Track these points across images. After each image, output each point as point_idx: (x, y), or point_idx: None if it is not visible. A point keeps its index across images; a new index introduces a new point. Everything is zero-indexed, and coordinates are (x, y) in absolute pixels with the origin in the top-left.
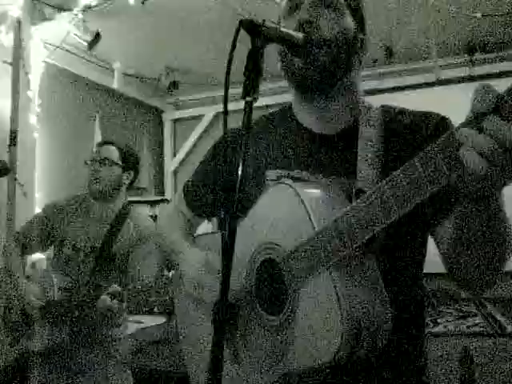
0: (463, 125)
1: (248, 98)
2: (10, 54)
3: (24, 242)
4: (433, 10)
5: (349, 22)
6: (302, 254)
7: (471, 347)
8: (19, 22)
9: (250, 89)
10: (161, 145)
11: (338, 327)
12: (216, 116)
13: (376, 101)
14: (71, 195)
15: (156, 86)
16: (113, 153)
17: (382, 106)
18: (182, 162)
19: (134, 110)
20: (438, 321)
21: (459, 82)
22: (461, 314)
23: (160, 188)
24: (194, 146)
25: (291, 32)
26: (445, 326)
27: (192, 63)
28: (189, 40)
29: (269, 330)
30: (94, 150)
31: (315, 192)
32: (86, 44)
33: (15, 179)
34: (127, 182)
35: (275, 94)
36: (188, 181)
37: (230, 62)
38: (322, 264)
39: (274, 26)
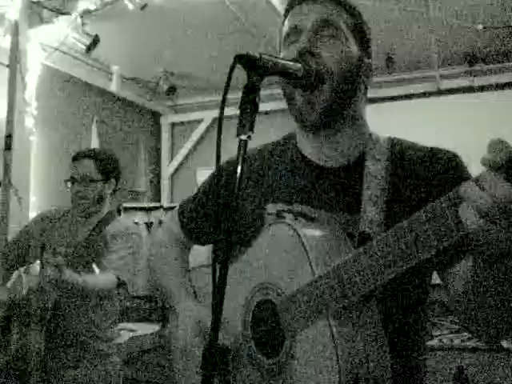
0: (472, 179)
1: (243, 137)
2: (7, 56)
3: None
4: (434, 21)
5: (352, 48)
6: (301, 299)
7: (466, 362)
8: (17, 25)
9: (245, 126)
10: (158, 148)
11: (334, 378)
12: (214, 120)
13: (376, 109)
14: (60, 208)
15: (154, 90)
16: (91, 168)
17: (391, 139)
18: (179, 166)
19: (132, 113)
20: (433, 334)
21: (460, 92)
22: (456, 327)
23: (157, 192)
24: (192, 150)
25: (289, 63)
26: (440, 340)
27: (190, 67)
28: (187, 44)
29: (264, 374)
30: (71, 165)
31: (316, 233)
32: (83, 47)
33: (10, 183)
34: (109, 191)
35: (276, 100)
36: (184, 204)
37: (224, 98)
38: (320, 311)
39: (272, 58)
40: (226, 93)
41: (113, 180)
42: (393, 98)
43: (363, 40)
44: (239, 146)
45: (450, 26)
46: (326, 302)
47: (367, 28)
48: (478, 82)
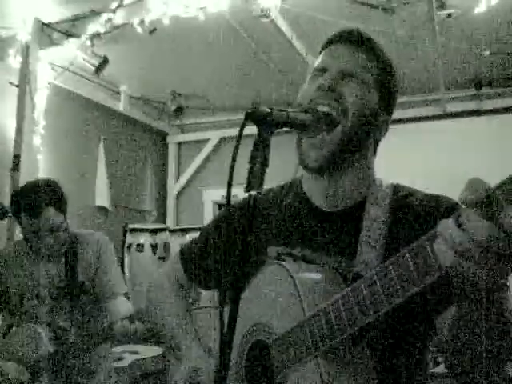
0: (454, 216)
1: (252, 192)
2: (17, 76)
3: None
4: (440, 46)
5: (373, 97)
6: (291, 339)
7: None
8: (27, 46)
9: (255, 182)
10: (164, 168)
11: None
12: (221, 140)
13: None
14: (10, 244)
15: (162, 110)
16: (53, 217)
17: (393, 185)
18: (185, 186)
19: (139, 132)
20: (439, 360)
21: (466, 115)
22: None
23: (163, 211)
24: (198, 169)
25: (299, 114)
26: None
27: (198, 88)
28: (194, 65)
29: None
30: (27, 222)
31: (310, 276)
32: (93, 68)
33: None
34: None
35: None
36: (187, 248)
37: (234, 158)
38: (309, 352)
39: (282, 112)
40: (237, 147)
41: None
42: (399, 121)
43: (387, 95)
44: (249, 201)
45: (457, 51)
46: (315, 342)
47: (394, 83)
48: (484, 105)
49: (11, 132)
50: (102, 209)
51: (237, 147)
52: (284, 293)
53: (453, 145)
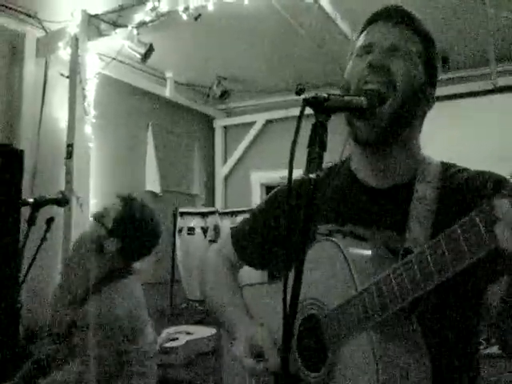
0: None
1: (312, 176)
2: (67, 68)
3: None
4: (491, 16)
5: (420, 72)
6: (343, 313)
7: None
8: (76, 38)
9: (314, 165)
10: (212, 151)
11: None
12: (267, 123)
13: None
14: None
15: (207, 95)
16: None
17: (443, 163)
18: (232, 169)
19: (186, 117)
20: (492, 341)
21: None
22: None
23: (211, 194)
24: (245, 152)
25: (354, 98)
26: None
27: (243, 71)
28: (239, 49)
29: None
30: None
31: (360, 251)
32: (139, 56)
33: (72, 190)
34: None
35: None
36: (238, 228)
37: (294, 143)
38: (361, 325)
39: (338, 96)
40: (297, 133)
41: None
42: (447, 97)
43: (431, 69)
44: (309, 184)
45: (508, 20)
46: (367, 315)
47: (437, 58)
48: None
49: (64, 122)
50: (152, 194)
51: (297, 131)
52: (335, 268)
53: (504, 121)
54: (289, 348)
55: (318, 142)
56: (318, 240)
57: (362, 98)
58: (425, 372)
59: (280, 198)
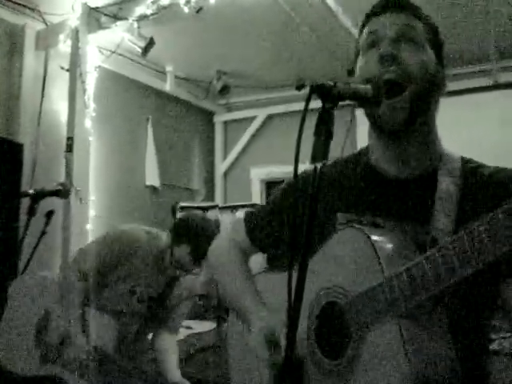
0: None
1: (318, 164)
2: (67, 61)
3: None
4: (492, 13)
5: (430, 55)
6: (370, 299)
7: None
8: (77, 31)
9: (320, 153)
10: (212, 147)
11: (403, 379)
12: (268, 118)
13: None
14: (146, 230)
15: (208, 89)
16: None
17: (462, 157)
18: (232, 164)
19: (186, 112)
20: (493, 336)
21: None
22: None
23: (211, 190)
24: (245, 147)
25: (360, 86)
26: (500, 344)
27: (243, 66)
28: (240, 43)
29: (327, 375)
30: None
31: (386, 238)
32: (139, 50)
33: (71, 184)
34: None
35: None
36: (251, 213)
37: (300, 133)
38: (390, 312)
39: (345, 84)
40: (303, 119)
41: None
42: (447, 94)
43: (438, 50)
44: (314, 172)
45: (509, 17)
46: (396, 301)
47: (442, 41)
48: None
49: (64, 115)
50: (152, 188)
51: (303, 119)
52: (360, 253)
53: (504, 117)
54: (294, 340)
55: (324, 130)
56: (340, 228)
57: (369, 87)
58: (453, 361)
59: (295, 187)
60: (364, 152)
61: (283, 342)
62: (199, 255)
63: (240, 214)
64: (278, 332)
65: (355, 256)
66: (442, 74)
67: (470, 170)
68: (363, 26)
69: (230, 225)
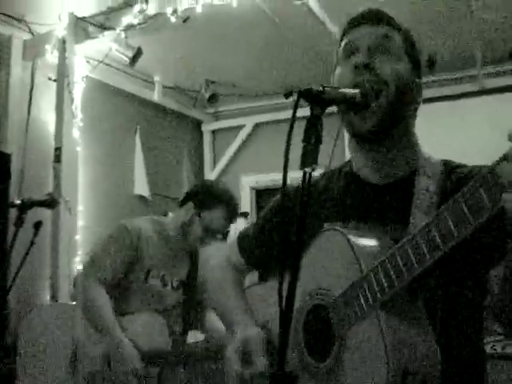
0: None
1: (307, 169)
2: (55, 71)
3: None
4: (477, 20)
5: (406, 65)
6: (350, 297)
7: None
8: (64, 41)
9: (310, 158)
10: (201, 155)
11: (382, 369)
12: (256, 126)
13: (418, 111)
14: (148, 219)
15: (196, 98)
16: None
17: (442, 160)
18: (221, 173)
19: (174, 121)
20: (486, 340)
21: (504, 91)
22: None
23: None
24: (234, 156)
25: (348, 91)
26: (492, 347)
27: (231, 75)
28: (228, 52)
29: (316, 378)
30: (219, 217)
31: (365, 239)
32: (127, 59)
33: (60, 194)
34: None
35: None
36: (244, 232)
37: (289, 136)
38: (368, 305)
39: (333, 89)
40: (292, 127)
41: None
42: (434, 99)
43: (414, 60)
44: (303, 177)
45: (494, 24)
46: (374, 295)
47: (417, 50)
48: None
49: (52, 125)
50: (141, 197)
51: (291, 126)
52: (340, 255)
53: (491, 122)
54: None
55: (313, 135)
56: (321, 231)
57: (357, 91)
58: (432, 352)
59: (283, 200)
60: (348, 163)
61: (256, 357)
62: (234, 215)
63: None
64: (254, 346)
65: (335, 257)
66: (418, 83)
67: (450, 170)
68: (342, 37)
69: (227, 245)
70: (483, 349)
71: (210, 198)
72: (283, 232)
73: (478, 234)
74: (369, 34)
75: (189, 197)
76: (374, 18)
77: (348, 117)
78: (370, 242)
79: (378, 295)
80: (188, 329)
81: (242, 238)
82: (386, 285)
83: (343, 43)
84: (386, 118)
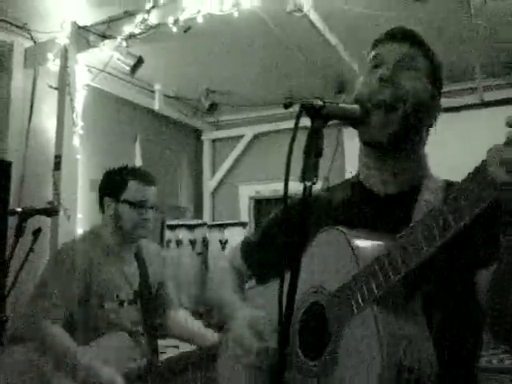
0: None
1: (307, 183)
2: (56, 79)
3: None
4: (477, 32)
5: (425, 84)
6: (345, 293)
7: None
8: (65, 50)
9: (310, 171)
10: (200, 164)
11: (377, 362)
12: (255, 136)
13: None
14: (86, 234)
15: (196, 108)
16: (156, 197)
17: (445, 180)
18: (220, 182)
19: (174, 130)
20: (482, 353)
21: (504, 103)
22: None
23: (198, 208)
24: (233, 165)
25: (348, 106)
26: (488, 361)
27: (231, 85)
28: (228, 62)
29: (309, 376)
30: (136, 188)
31: (365, 240)
32: (128, 68)
33: (59, 202)
34: None
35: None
36: (247, 239)
37: (290, 152)
38: (364, 302)
39: (334, 104)
40: (293, 138)
41: None
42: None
43: (436, 82)
44: (304, 190)
45: (494, 37)
46: (369, 289)
47: (440, 71)
48: None
49: (52, 133)
50: None
51: (293, 139)
52: (340, 254)
53: (491, 135)
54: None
55: (314, 148)
56: (321, 230)
57: (357, 107)
58: (428, 349)
59: (284, 216)
60: (355, 176)
61: (269, 334)
62: (142, 176)
63: (228, 231)
64: (265, 325)
65: (333, 255)
66: (436, 103)
67: (452, 184)
68: (371, 49)
69: (231, 251)
70: (477, 353)
71: (115, 181)
72: (284, 242)
73: (473, 227)
74: (396, 49)
75: (101, 195)
76: (405, 36)
77: (365, 127)
78: (369, 241)
79: (373, 290)
80: (156, 345)
81: (245, 246)
82: (381, 278)
83: (371, 55)
84: (401, 130)
